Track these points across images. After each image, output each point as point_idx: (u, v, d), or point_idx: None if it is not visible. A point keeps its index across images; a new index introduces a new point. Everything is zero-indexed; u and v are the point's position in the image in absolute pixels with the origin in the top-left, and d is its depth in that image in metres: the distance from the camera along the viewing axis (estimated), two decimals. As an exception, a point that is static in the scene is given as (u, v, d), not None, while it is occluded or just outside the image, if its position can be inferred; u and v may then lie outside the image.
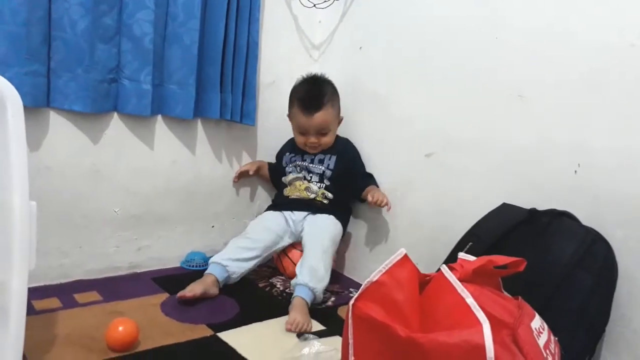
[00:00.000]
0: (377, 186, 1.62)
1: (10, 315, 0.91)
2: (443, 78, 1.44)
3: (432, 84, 1.47)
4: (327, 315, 1.39)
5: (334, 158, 1.64)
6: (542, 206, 1.15)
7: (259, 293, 1.52)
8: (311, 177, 1.65)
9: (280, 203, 1.69)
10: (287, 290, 1.54)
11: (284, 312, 1.37)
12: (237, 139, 1.74)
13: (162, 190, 1.60)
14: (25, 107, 0.92)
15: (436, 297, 0.83)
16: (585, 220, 1.10)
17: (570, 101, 1.17)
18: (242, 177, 1.75)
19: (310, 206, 1.64)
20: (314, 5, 1.75)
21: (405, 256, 0.86)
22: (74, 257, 1.45)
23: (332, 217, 1.61)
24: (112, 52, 1.39)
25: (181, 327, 1.25)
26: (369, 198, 1.52)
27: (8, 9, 1.20)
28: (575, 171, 1.15)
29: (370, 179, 1.64)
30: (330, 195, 1.64)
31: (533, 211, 1.12)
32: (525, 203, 1.18)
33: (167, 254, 1.64)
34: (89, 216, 1.47)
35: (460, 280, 0.81)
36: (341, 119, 1.66)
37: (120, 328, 1.12)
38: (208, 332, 1.23)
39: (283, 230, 1.61)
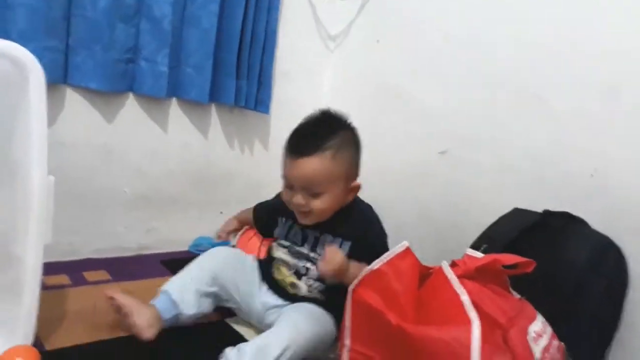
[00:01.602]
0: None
1: (24, 289, 0.91)
2: (460, 75, 1.44)
3: (449, 80, 1.47)
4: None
5: (347, 246, 1.12)
6: (555, 209, 1.15)
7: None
8: (307, 270, 1.15)
9: (263, 264, 1.23)
10: (293, 279, 1.54)
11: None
12: (250, 126, 1.74)
13: (172, 173, 1.60)
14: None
15: (433, 292, 0.84)
16: (597, 226, 1.10)
17: (591, 105, 1.16)
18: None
19: (295, 299, 1.15)
20: (334, -4, 1.74)
21: (408, 249, 0.88)
22: (83, 235, 1.46)
23: (321, 309, 1.11)
24: (131, 32, 1.38)
25: (189, 310, 1.25)
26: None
27: (29, -17, 1.19)
28: (592, 175, 1.15)
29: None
30: (322, 298, 1.14)
31: (547, 213, 1.12)
32: (538, 205, 1.18)
33: (176, 237, 1.64)
34: (100, 195, 1.47)
35: (462, 276, 0.83)
36: (356, 187, 1.16)
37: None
38: (216, 317, 1.24)
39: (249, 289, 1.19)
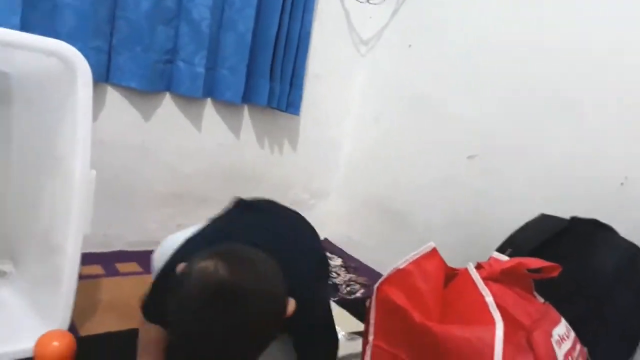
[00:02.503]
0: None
1: (63, 277, 0.96)
2: (492, 81, 1.44)
3: (480, 86, 1.47)
4: (356, 306, 1.41)
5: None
6: (583, 216, 1.14)
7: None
8: None
9: None
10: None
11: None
12: (280, 126, 1.78)
13: (205, 172, 1.64)
14: (92, 81, 0.96)
15: (458, 292, 0.85)
16: (626, 234, 1.09)
17: (623, 113, 1.15)
18: None
19: None
20: (367, 1, 1.76)
21: (434, 250, 0.89)
22: (117, 228, 1.51)
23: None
24: (170, 34, 1.44)
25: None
26: None
27: (78, -14, 1.25)
28: (622, 183, 1.14)
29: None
30: None
31: (575, 219, 1.11)
32: (566, 211, 1.17)
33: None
34: (134, 191, 1.53)
35: (487, 278, 0.83)
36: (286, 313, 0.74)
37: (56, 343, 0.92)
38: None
39: None
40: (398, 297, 0.83)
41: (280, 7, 1.56)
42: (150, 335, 0.94)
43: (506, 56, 1.41)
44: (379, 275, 1.68)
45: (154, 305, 0.90)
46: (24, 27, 1.19)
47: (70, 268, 0.97)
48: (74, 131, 0.94)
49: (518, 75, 1.37)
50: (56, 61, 0.93)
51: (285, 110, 1.69)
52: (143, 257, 1.50)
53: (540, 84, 1.32)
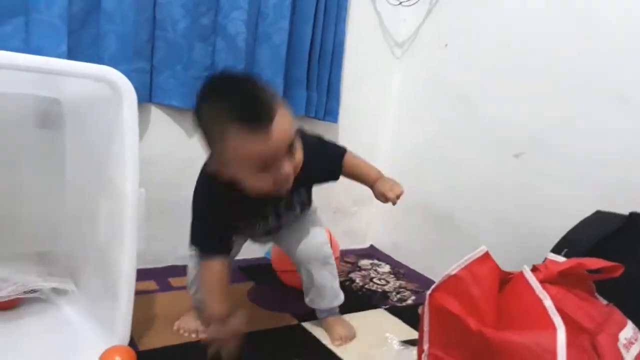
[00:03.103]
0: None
1: (120, 292, 0.99)
2: (534, 77, 1.40)
3: (522, 82, 1.43)
4: (408, 313, 1.39)
5: (303, 191, 1.15)
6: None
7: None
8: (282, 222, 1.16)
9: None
10: (365, 287, 1.56)
11: (363, 307, 1.41)
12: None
13: (248, 184, 1.66)
14: (136, 103, 0.99)
15: (514, 297, 0.82)
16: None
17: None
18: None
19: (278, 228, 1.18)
20: (400, 3, 1.75)
21: (487, 254, 0.86)
22: (168, 243, 1.54)
23: (309, 218, 1.22)
24: (208, 51, 1.47)
25: (267, 314, 1.30)
26: (380, 198, 1.12)
27: (119, 12, 1.29)
28: (682, 176, 1.09)
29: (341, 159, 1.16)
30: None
31: (635, 214, 1.06)
32: (621, 208, 1.12)
33: (252, 245, 1.70)
34: (182, 206, 1.55)
35: (544, 281, 0.80)
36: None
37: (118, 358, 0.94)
38: (293, 321, 1.27)
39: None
40: (451, 304, 0.82)
41: (313, 18, 1.57)
42: (213, 272, 1.04)
43: (549, 49, 1.36)
44: (428, 280, 1.67)
45: (202, 232, 1.08)
46: (71, 54, 1.25)
47: (126, 284, 1.00)
48: (122, 151, 0.97)
49: (562, 69, 1.32)
50: (103, 85, 0.96)
51: (323, 119, 1.70)
52: (193, 271, 1.53)
53: (587, 77, 1.27)
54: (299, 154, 0.95)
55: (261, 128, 0.85)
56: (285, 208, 1.12)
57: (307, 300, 1.22)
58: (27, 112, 1.22)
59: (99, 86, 0.97)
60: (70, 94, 1.20)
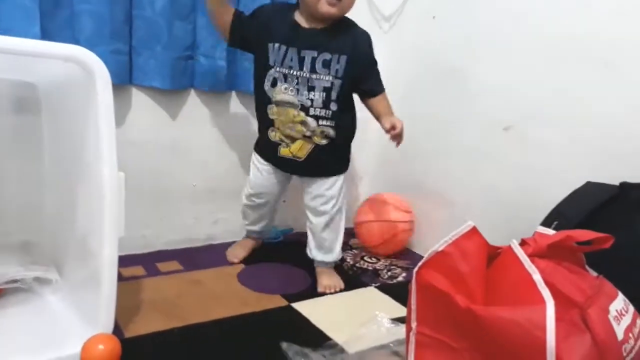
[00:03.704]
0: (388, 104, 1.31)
1: (102, 280, 0.97)
2: (522, 47, 1.36)
3: (510, 53, 1.40)
4: (398, 291, 1.38)
5: (343, 59, 1.22)
6: (631, 181, 1.07)
7: (331, 267, 1.54)
8: (311, 100, 1.23)
9: (268, 155, 1.37)
10: (356, 265, 1.55)
11: (354, 285, 1.40)
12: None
13: (237, 165, 1.64)
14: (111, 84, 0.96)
15: (503, 272, 0.81)
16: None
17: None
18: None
19: (304, 166, 1.32)
20: (386, -25, 1.70)
21: (474, 229, 0.84)
22: (155, 228, 1.53)
23: (332, 179, 1.34)
24: (188, 29, 1.42)
25: (257, 296, 1.29)
26: (386, 124, 1.22)
27: (93, -10, 1.25)
28: (674, 143, 1.06)
29: (380, 87, 1.31)
30: (332, 133, 1.28)
31: (625, 185, 1.04)
32: (612, 177, 1.10)
33: (241, 227, 1.68)
34: (169, 190, 1.53)
35: (533, 255, 0.79)
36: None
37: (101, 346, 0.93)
38: (283, 302, 1.26)
39: (283, 181, 1.43)
40: (439, 281, 0.80)
41: (296, -8, 1.53)
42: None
43: (535, 19, 1.33)
44: (420, 257, 1.65)
45: (248, 17, 1.28)
46: (45, 36, 1.20)
47: (108, 271, 0.98)
48: (99, 135, 0.94)
49: (549, 37, 1.29)
50: (75, 67, 0.93)
51: (310, 97, 1.66)
52: (183, 255, 1.52)
53: (573, 45, 1.24)
54: (348, 2, 1.19)
55: None
56: (310, 63, 1.21)
57: (307, 250, 1.41)
58: (3, 98, 1.18)
59: (72, 68, 0.93)
60: (46, 78, 1.16)
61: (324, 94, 1.22)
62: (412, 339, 0.85)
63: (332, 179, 1.34)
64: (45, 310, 1.08)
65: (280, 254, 1.58)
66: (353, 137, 1.39)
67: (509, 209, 1.41)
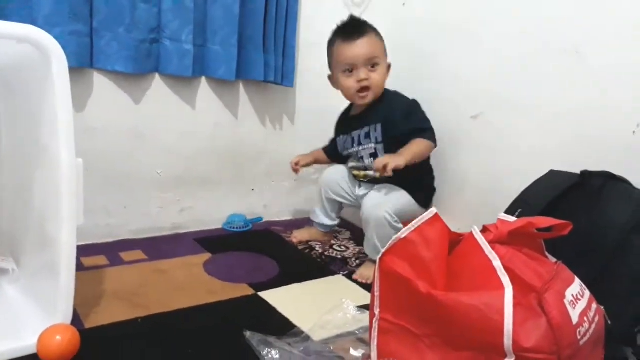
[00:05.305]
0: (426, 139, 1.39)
1: (60, 269, 0.94)
2: (491, 34, 1.37)
3: (480, 40, 1.41)
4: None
5: (379, 127, 1.42)
6: (595, 168, 1.09)
7: (299, 255, 1.53)
8: (367, 161, 1.47)
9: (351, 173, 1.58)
10: (325, 253, 1.54)
11: (323, 274, 1.40)
12: (276, 101, 1.73)
13: (204, 153, 1.61)
14: (70, 68, 0.92)
15: (464, 258, 0.82)
16: (641, 184, 1.04)
17: (631, 57, 1.09)
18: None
19: (375, 182, 1.48)
20: (356, -39, 1.69)
21: (436, 215, 0.85)
22: (119, 217, 1.49)
23: (397, 187, 1.43)
24: (153, 12, 1.38)
25: (223, 285, 1.27)
26: (378, 163, 1.31)
27: (51, -32, 1.20)
28: (634, 132, 1.09)
29: (417, 134, 1.38)
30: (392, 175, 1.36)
31: (585, 173, 1.06)
32: (578, 164, 1.12)
33: (209, 216, 1.66)
34: (133, 177, 1.50)
35: (494, 241, 0.80)
36: (389, 65, 1.44)
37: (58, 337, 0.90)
38: (249, 291, 1.25)
39: (351, 188, 1.56)
40: (401, 267, 0.80)
41: (265, -27, 1.50)
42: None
43: (506, 7, 1.33)
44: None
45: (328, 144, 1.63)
46: (1, 15, 1.15)
47: (66, 259, 0.95)
48: (55, 118, 0.91)
49: (519, 26, 1.30)
50: (30, 48, 0.89)
51: (281, 83, 1.64)
52: (147, 244, 1.48)
53: (542, 35, 1.25)
54: (380, 74, 1.40)
55: (351, 39, 1.37)
56: (357, 139, 1.47)
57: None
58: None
59: (26, 49, 0.89)
60: (1, 58, 1.11)
61: (372, 159, 1.44)
62: (375, 325, 0.85)
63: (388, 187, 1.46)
64: (1, 301, 1.05)
65: (248, 243, 1.56)
66: (422, 189, 1.50)
67: (475, 196, 1.42)
